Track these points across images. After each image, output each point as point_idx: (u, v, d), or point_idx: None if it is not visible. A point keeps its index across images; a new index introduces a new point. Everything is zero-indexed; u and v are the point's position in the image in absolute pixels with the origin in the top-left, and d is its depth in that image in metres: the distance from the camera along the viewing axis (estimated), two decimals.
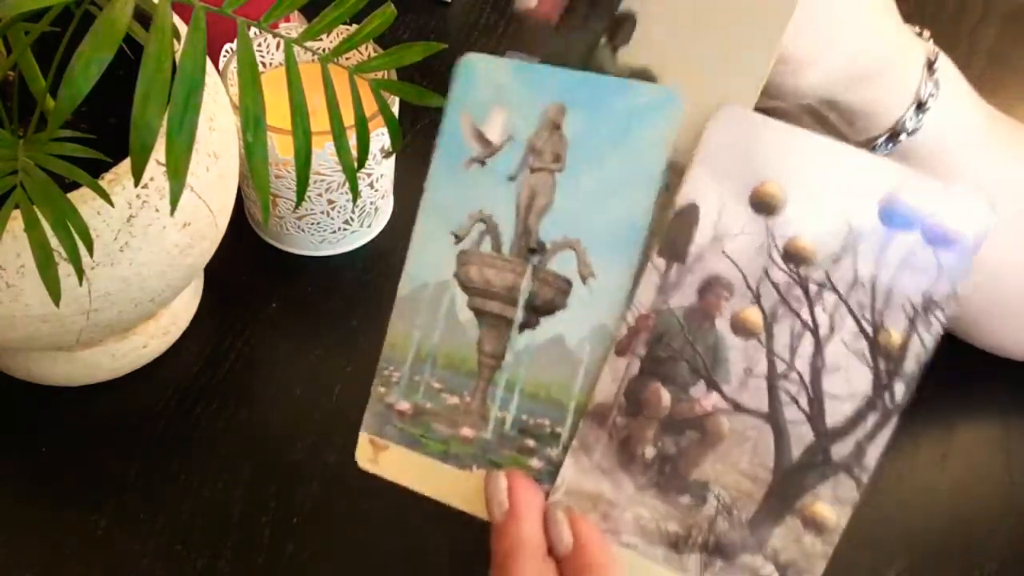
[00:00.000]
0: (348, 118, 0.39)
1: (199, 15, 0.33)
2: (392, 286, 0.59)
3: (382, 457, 0.38)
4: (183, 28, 0.41)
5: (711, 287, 0.34)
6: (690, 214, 0.34)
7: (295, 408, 0.53)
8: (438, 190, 0.37)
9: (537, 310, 0.36)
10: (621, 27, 0.35)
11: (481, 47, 0.74)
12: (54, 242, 0.36)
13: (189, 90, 0.32)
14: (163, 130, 0.32)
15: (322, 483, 0.50)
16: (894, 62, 0.41)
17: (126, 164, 0.41)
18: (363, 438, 0.38)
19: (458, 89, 0.36)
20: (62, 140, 0.39)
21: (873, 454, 0.33)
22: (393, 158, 0.59)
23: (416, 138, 0.66)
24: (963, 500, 0.53)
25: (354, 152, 0.40)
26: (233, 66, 0.55)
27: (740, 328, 0.34)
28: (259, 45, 0.59)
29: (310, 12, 0.41)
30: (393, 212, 0.62)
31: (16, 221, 0.37)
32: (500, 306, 0.36)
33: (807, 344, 0.34)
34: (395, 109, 0.54)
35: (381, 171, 0.57)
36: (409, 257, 0.37)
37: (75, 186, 0.39)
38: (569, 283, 0.35)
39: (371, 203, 0.58)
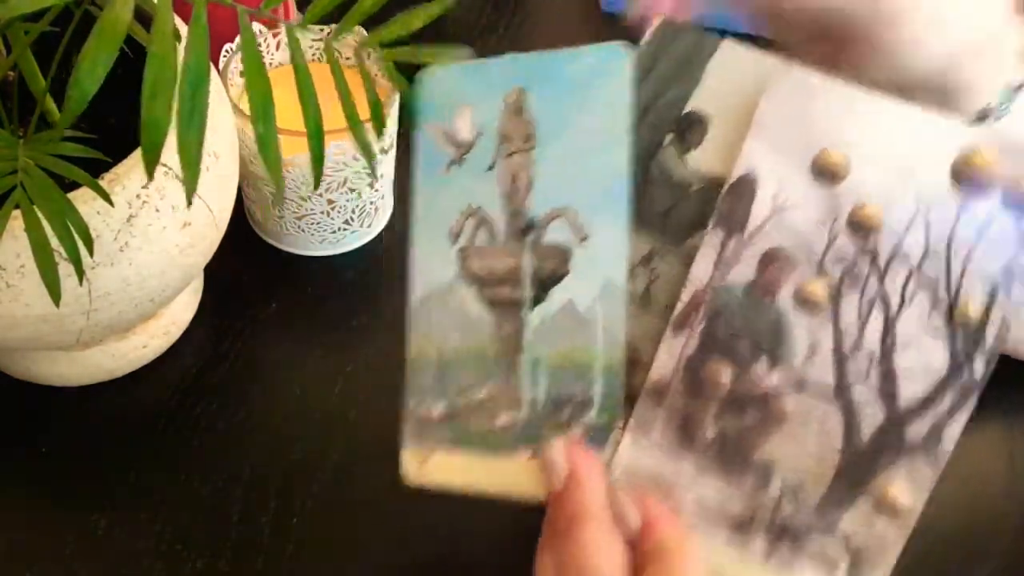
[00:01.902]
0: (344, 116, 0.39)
1: (199, 8, 0.33)
2: (392, 286, 0.59)
3: (427, 467, 0.37)
4: (183, 28, 0.41)
5: (772, 261, 0.33)
6: (747, 185, 0.33)
7: (295, 408, 0.53)
8: (426, 199, 0.37)
9: (543, 284, 0.36)
10: (691, 129, 0.34)
11: (481, 47, 0.73)
12: (54, 242, 0.36)
13: (196, 84, 0.32)
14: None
15: (322, 483, 0.50)
16: (997, 38, 0.39)
17: (126, 164, 0.41)
18: (406, 454, 0.38)
19: (422, 103, 0.37)
20: (62, 140, 0.39)
21: (951, 435, 0.32)
22: (393, 159, 0.59)
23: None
24: (964, 499, 0.53)
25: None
26: (233, 66, 0.55)
27: (804, 303, 0.32)
28: (259, 46, 0.59)
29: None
30: (393, 212, 0.62)
31: (16, 221, 0.37)
32: (509, 290, 0.36)
33: (877, 319, 0.32)
34: (395, 108, 0.55)
35: (381, 171, 0.57)
36: (412, 269, 0.37)
37: (75, 186, 0.39)
38: (567, 250, 0.35)
39: (371, 203, 0.58)
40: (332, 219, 0.57)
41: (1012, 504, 0.53)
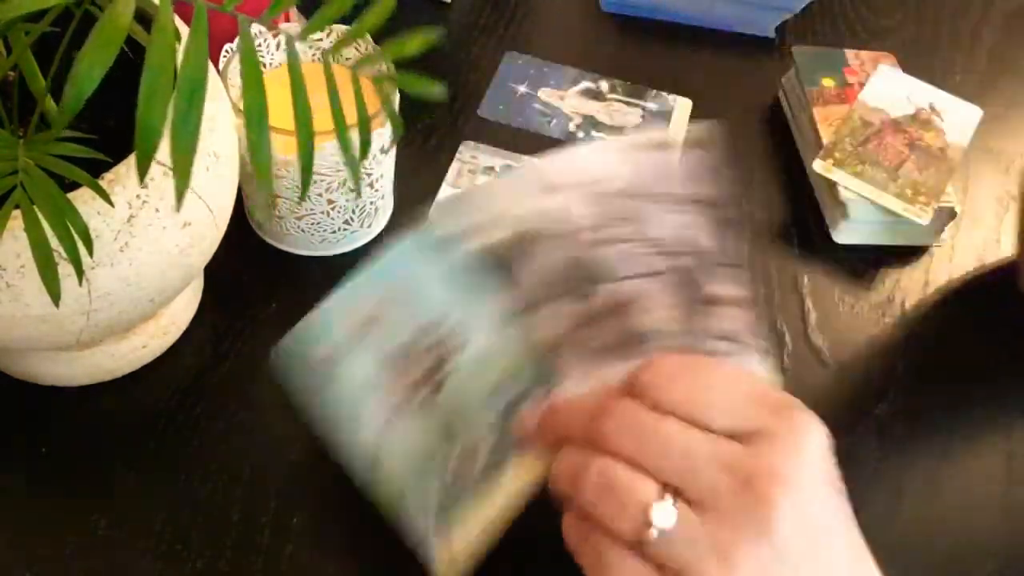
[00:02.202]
0: (347, 115, 0.39)
1: (200, 14, 0.33)
2: None
3: (455, 552, 0.42)
4: (184, 29, 0.41)
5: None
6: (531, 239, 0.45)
7: (295, 408, 0.53)
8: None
9: (444, 363, 0.44)
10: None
11: (481, 47, 0.74)
12: (54, 242, 0.36)
13: (192, 90, 0.32)
14: (166, 130, 0.32)
15: (322, 483, 0.50)
16: None
17: (126, 164, 0.41)
18: (437, 559, 0.43)
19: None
20: (63, 140, 0.39)
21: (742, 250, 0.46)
22: (393, 159, 0.59)
23: (416, 138, 0.66)
24: (963, 500, 0.53)
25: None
26: (233, 66, 0.55)
27: (620, 241, 0.45)
28: (258, 46, 0.59)
29: (309, 13, 0.41)
30: (393, 212, 0.62)
31: (16, 221, 0.37)
32: (427, 388, 0.43)
33: (669, 226, 0.45)
34: (395, 105, 0.55)
35: (381, 171, 0.57)
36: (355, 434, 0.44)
37: (75, 186, 0.39)
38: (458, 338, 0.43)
39: (371, 203, 0.58)
40: (332, 219, 0.57)
41: (1010, 504, 0.54)
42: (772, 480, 0.34)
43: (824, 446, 0.36)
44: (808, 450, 0.35)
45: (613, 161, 0.46)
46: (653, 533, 0.34)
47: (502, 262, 0.43)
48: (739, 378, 0.37)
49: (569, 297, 0.44)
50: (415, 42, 0.39)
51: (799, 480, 0.34)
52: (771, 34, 0.78)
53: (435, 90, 0.38)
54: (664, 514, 0.34)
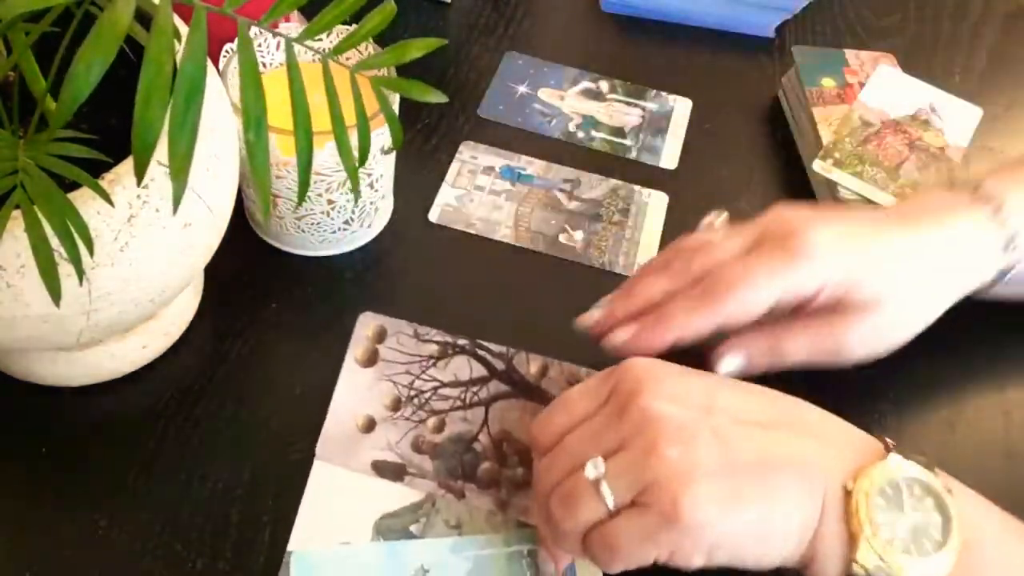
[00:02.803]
0: (348, 116, 0.39)
1: (200, 15, 0.33)
2: (392, 286, 0.59)
3: None
4: (184, 29, 0.41)
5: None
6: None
7: (295, 408, 0.53)
8: None
9: None
10: None
11: (481, 47, 0.74)
12: (54, 242, 0.36)
13: (190, 91, 0.32)
14: (165, 131, 0.32)
15: None
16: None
17: (126, 164, 0.41)
18: None
19: None
20: (63, 140, 0.39)
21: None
22: (393, 159, 0.59)
23: (416, 138, 0.66)
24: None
25: (355, 151, 0.40)
26: (233, 66, 0.55)
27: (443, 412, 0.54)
28: (259, 46, 0.59)
29: (309, 13, 0.41)
30: (393, 212, 0.62)
31: (16, 221, 0.37)
32: None
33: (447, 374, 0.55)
34: (395, 107, 0.55)
35: (381, 171, 0.57)
36: None
37: (75, 186, 0.39)
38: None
39: (371, 203, 0.58)
40: (332, 219, 0.57)
41: (1012, 504, 0.53)
42: (632, 396, 0.43)
43: (645, 361, 0.45)
44: (637, 366, 0.45)
45: (362, 397, 0.53)
46: (606, 491, 0.42)
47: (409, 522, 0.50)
48: (577, 387, 0.47)
49: (468, 473, 0.51)
50: (417, 47, 0.39)
51: (644, 380, 0.44)
52: (771, 34, 0.78)
53: (434, 97, 0.38)
54: (595, 466, 0.42)
